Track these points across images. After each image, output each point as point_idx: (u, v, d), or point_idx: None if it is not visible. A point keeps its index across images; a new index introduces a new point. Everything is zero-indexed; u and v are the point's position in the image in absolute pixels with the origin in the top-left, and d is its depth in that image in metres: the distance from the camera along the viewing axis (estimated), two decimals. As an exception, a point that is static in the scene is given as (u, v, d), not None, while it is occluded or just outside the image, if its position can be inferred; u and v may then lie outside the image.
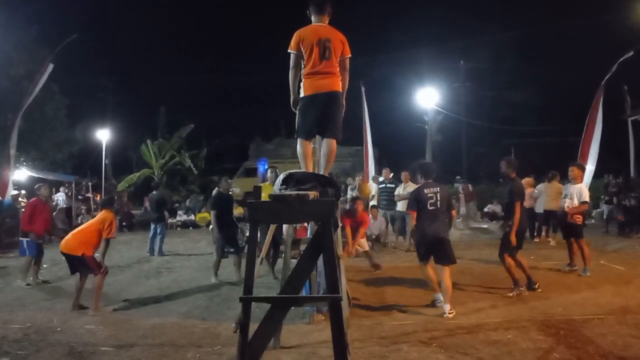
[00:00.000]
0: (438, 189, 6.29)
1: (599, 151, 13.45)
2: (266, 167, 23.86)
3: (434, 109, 24.27)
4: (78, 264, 6.61)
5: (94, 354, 4.91)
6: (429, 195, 6.19)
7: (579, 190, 8.23)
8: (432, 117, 24.78)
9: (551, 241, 11.92)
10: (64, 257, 6.74)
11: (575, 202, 8.16)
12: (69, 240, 6.65)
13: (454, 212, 6.53)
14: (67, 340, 5.30)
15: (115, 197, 7.08)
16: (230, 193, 9.35)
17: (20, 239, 8.59)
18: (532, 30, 29.83)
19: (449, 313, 5.83)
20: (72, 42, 13.84)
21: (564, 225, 8.77)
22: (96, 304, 6.46)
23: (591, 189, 15.17)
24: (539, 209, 12.19)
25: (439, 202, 6.17)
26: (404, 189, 11.36)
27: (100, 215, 6.88)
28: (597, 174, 15.52)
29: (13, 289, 8.03)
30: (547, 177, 12.25)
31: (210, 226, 9.23)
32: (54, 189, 17.89)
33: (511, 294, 6.75)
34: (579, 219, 8.22)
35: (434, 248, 6.17)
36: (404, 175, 11.80)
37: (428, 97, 23.45)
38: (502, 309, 6.09)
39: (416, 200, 6.32)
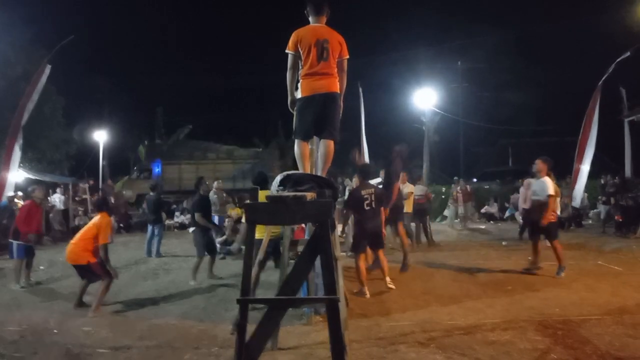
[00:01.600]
0: (373, 189, 7.21)
1: (596, 152, 13.49)
2: (160, 168, 23.65)
3: (431, 109, 24.30)
4: (85, 272, 6.64)
5: (91, 355, 4.89)
6: (365, 196, 7.05)
7: (542, 185, 8.01)
8: (430, 117, 24.81)
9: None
10: (74, 269, 6.78)
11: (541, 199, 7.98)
12: (71, 250, 6.63)
13: (386, 211, 7.62)
14: (64, 342, 5.28)
15: (110, 197, 7.04)
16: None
17: (10, 240, 8.52)
18: (530, 31, 29.94)
19: (390, 284, 7.14)
20: (69, 42, 13.81)
21: (536, 225, 8.10)
22: (97, 305, 6.44)
23: (588, 189, 15.30)
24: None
25: (373, 202, 7.04)
26: (402, 189, 11.35)
27: (97, 219, 6.78)
28: (595, 175, 15.57)
29: (9, 291, 8.00)
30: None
31: (191, 229, 9.27)
32: (50, 191, 17.85)
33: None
34: (552, 217, 7.96)
35: (372, 240, 7.17)
36: (401, 175, 11.78)
37: (426, 98, 23.47)
38: (500, 310, 6.09)
39: (353, 201, 7.20)
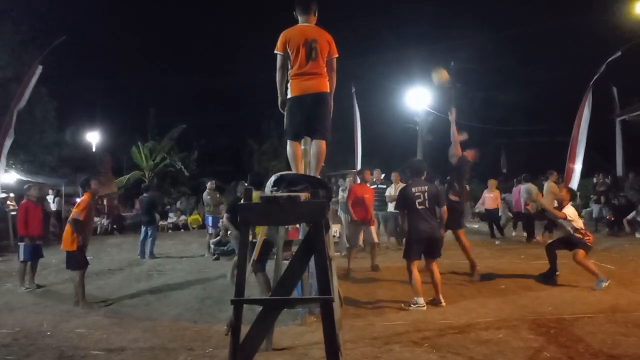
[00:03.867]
0: (426, 187, 6.44)
1: (589, 151, 13.58)
2: None
3: (425, 109, 24.32)
4: (69, 259, 6.99)
5: (84, 358, 4.88)
6: (417, 194, 6.36)
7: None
8: (423, 117, 24.84)
9: (540, 240, 12.02)
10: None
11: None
12: (64, 235, 7.05)
13: (444, 209, 6.70)
14: (57, 344, 5.26)
15: (90, 179, 7.40)
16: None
17: (19, 243, 8.48)
18: (521, 31, 30.03)
19: (443, 302, 6.29)
20: (61, 43, 13.75)
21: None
22: (83, 298, 6.88)
23: (580, 188, 15.40)
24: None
25: (427, 201, 6.33)
26: (395, 189, 11.38)
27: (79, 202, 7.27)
28: (587, 174, 15.68)
29: (2, 293, 7.94)
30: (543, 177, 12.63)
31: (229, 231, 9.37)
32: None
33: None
34: (587, 239, 7.33)
35: (427, 246, 6.35)
36: (394, 175, 11.84)
37: (419, 98, 23.49)
38: (493, 308, 6.13)
39: (403, 199, 6.47)
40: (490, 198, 13.42)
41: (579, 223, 7.42)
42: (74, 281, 6.97)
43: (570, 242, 7.41)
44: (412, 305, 6.21)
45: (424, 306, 6.17)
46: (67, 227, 7.06)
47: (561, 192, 7.98)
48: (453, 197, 7.92)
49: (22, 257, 8.28)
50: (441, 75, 5.51)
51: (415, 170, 6.79)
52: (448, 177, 8.39)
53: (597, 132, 13.89)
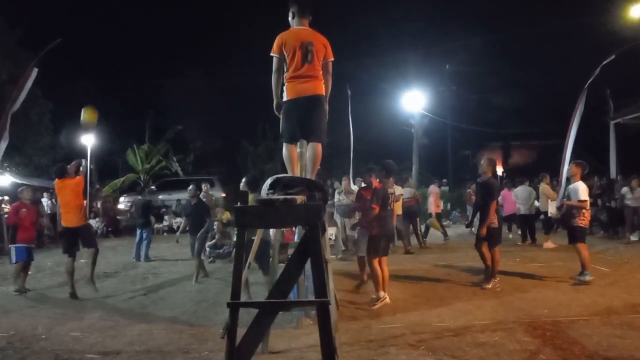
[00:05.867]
0: (393, 189, 6.99)
1: (584, 154, 13.62)
2: None
3: (420, 112, 24.37)
4: (86, 234, 7.55)
5: (80, 361, 4.86)
6: (389, 194, 6.79)
7: (575, 189, 7.68)
8: (419, 120, 24.89)
9: (544, 243, 12.02)
10: (69, 234, 7.57)
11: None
12: (70, 215, 7.45)
13: None
14: (52, 347, 5.23)
15: (63, 165, 7.76)
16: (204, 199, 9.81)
17: (10, 245, 8.40)
18: (516, 34, 30.14)
19: (384, 299, 6.48)
20: (56, 45, 13.69)
21: (568, 228, 8.04)
22: (92, 275, 7.52)
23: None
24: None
25: (392, 203, 6.87)
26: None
27: (74, 183, 7.52)
28: (585, 176, 15.71)
29: (-4, 297, 7.91)
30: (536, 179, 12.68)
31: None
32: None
33: (489, 286, 7.31)
34: (581, 221, 7.62)
35: (387, 244, 6.86)
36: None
37: (414, 101, 23.55)
38: (489, 311, 6.13)
39: (383, 198, 6.66)
40: (431, 202, 13.95)
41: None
42: (90, 258, 7.50)
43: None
44: (377, 302, 6.38)
45: (386, 298, 6.41)
46: (74, 207, 7.48)
47: (571, 170, 8.07)
48: None
49: (13, 259, 8.19)
50: (90, 115, 5.62)
51: (390, 170, 7.04)
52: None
53: (591, 134, 13.94)
